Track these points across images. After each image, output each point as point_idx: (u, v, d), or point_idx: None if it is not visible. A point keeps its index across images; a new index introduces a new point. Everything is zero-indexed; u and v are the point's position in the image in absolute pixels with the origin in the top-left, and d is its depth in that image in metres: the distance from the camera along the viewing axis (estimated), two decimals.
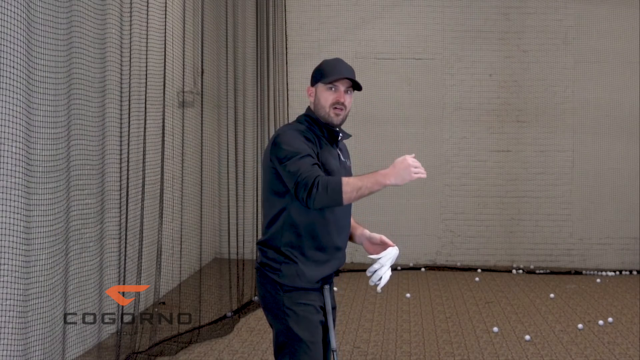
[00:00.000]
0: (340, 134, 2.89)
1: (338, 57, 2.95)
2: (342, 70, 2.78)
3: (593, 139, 9.18)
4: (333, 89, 2.77)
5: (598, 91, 9.15)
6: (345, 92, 2.79)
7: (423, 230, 9.21)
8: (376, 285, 2.82)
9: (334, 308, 2.92)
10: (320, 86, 2.80)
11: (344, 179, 2.53)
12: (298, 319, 2.71)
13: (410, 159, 2.49)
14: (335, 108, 2.77)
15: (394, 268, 8.79)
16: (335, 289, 3.10)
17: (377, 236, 2.82)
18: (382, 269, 2.76)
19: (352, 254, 9.13)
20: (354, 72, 2.84)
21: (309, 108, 2.88)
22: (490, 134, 9.27)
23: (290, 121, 2.98)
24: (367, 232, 2.90)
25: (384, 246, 2.80)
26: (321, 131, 2.81)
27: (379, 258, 2.77)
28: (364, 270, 9.70)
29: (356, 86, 2.81)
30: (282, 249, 2.73)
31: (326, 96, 2.78)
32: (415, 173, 2.48)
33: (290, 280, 2.72)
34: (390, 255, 2.76)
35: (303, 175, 2.54)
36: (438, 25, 9.25)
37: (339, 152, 2.87)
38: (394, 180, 2.48)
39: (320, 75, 2.80)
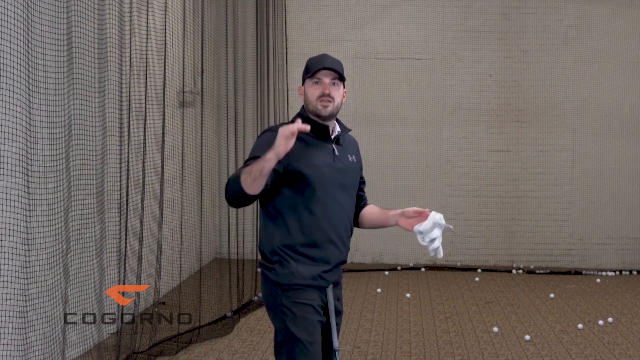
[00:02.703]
0: (338, 130, 2.89)
1: (326, 53, 2.94)
2: (324, 62, 2.77)
3: (593, 139, 9.18)
4: (318, 82, 2.77)
5: (598, 91, 9.15)
6: (331, 84, 2.78)
7: None
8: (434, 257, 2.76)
9: (339, 313, 2.90)
10: (307, 82, 2.81)
11: (245, 168, 2.53)
12: (296, 319, 2.71)
13: (282, 129, 2.44)
14: (322, 100, 2.76)
15: (393, 268, 8.86)
16: (342, 292, 3.04)
17: (409, 209, 2.75)
18: (427, 239, 2.67)
19: (352, 254, 9.13)
20: (340, 64, 2.83)
21: (302, 107, 2.89)
22: (490, 134, 9.27)
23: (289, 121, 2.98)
24: (398, 210, 2.84)
25: (420, 217, 2.71)
26: (312, 128, 2.79)
27: (420, 232, 2.68)
28: (364, 271, 9.65)
29: (341, 76, 2.80)
30: (275, 248, 2.75)
31: (312, 90, 2.78)
32: (284, 138, 2.42)
33: (286, 279, 2.73)
34: (429, 223, 2.65)
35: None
36: (438, 25, 9.25)
37: (335, 149, 2.84)
38: (271, 153, 2.45)
39: (305, 71, 2.82)
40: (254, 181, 2.47)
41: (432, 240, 2.68)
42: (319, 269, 2.76)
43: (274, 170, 2.62)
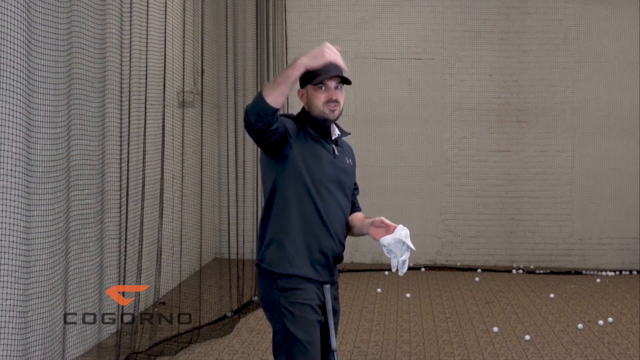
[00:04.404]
0: (338, 132, 2.94)
1: None
2: (329, 68, 2.79)
3: (593, 139, 9.18)
4: (323, 87, 2.81)
5: (598, 91, 9.15)
6: (336, 88, 2.82)
7: (423, 230, 9.20)
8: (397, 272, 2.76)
9: (336, 312, 2.91)
10: (310, 87, 2.83)
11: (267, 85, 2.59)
12: (294, 319, 2.72)
13: (329, 45, 2.49)
14: (329, 105, 2.81)
15: None
16: (339, 292, 3.05)
17: (377, 219, 2.78)
18: (392, 256, 2.69)
19: (352, 253, 9.13)
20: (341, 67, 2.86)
21: (303, 109, 2.93)
22: (490, 134, 9.27)
23: None
24: (371, 219, 2.88)
25: (387, 228, 2.73)
26: (314, 127, 2.85)
27: (389, 250, 2.69)
28: (364, 271, 9.65)
29: (345, 80, 2.84)
30: (274, 235, 2.78)
31: (318, 96, 2.81)
32: (329, 54, 2.47)
33: (282, 268, 2.74)
34: (394, 238, 2.67)
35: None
36: (438, 25, 9.25)
37: (334, 148, 2.90)
38: (306, 59, 2.50)
39: (308, 76, 2.81)
40: (276, 88, 2.51)
41: (404, 262, 2.69)
42: (315, 260, 2.78)
43: (287, 134, 2.67)
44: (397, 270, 2.72)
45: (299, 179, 2.75)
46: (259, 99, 2.52)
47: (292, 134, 2.75)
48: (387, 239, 2.69)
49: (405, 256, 2.69)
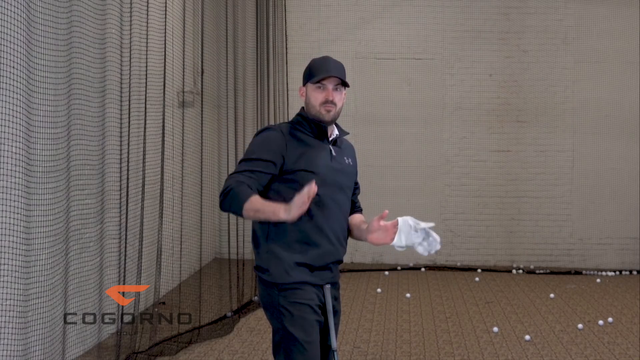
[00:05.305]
0: (336, 132, 2.93)
1: (327, 55, 2.97)
2: (329, 68, 2.79)
3: (593, 139, 9.18)
4: (321, 87, 2.80)
5: (598, 91, 9.15)
6: (334, 89, 2.81)
7: None
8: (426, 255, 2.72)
9: (336, 312, 2.90)
10: (310, 86, 2.83)
11: (252, 197, 2.55)
12: (293, 319, 2.71)
13: (297, 199, 2.45)
14: (326, 106, 2.80)
15: (393, 268, 8.86)
16: (340, 292, 3.03)
17: (372, 223, 2.73)
18: (416, 245, 2.64)
19: (352, 253, 9.14)
20: (343, 68, 2.85)
21: (302, 108, 2.92)
22: (490, 134, 9.27)
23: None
24: (365, 225, 2.85)
25: (386, 230, 2.69)
26: (310, 128, 2.84)
27: (400, 245, 2.65)
28: (364, 271, 9.64)
29: (345, 82, 2.83)
30: (270, 246, 2.76)
31: (316, 95, 2.81)
32: (298, 208, 2.45)
33: (281, 278, 2.73)
34: (402, 234, 2.61)
35: (228, 181, 2.64)
36: (438, 25, 9.25)
37: (332, 149, 2.88)
38: (283, 215, 2.48)
39: (309, 74, 2.83)
40: (254, 215, 2.55)
41: (420, 244, 2.65)
42: (315, 263, 2.76)
43: (271, 173, 2.72)
44: (429, 253, 2.67)
45: (292, 190, 2.70)
46: (237, 206, 2.55)
47: (277, 158, 2.72)
48: (400, 244, 2.64)
49: (422, 238, 2.62)
